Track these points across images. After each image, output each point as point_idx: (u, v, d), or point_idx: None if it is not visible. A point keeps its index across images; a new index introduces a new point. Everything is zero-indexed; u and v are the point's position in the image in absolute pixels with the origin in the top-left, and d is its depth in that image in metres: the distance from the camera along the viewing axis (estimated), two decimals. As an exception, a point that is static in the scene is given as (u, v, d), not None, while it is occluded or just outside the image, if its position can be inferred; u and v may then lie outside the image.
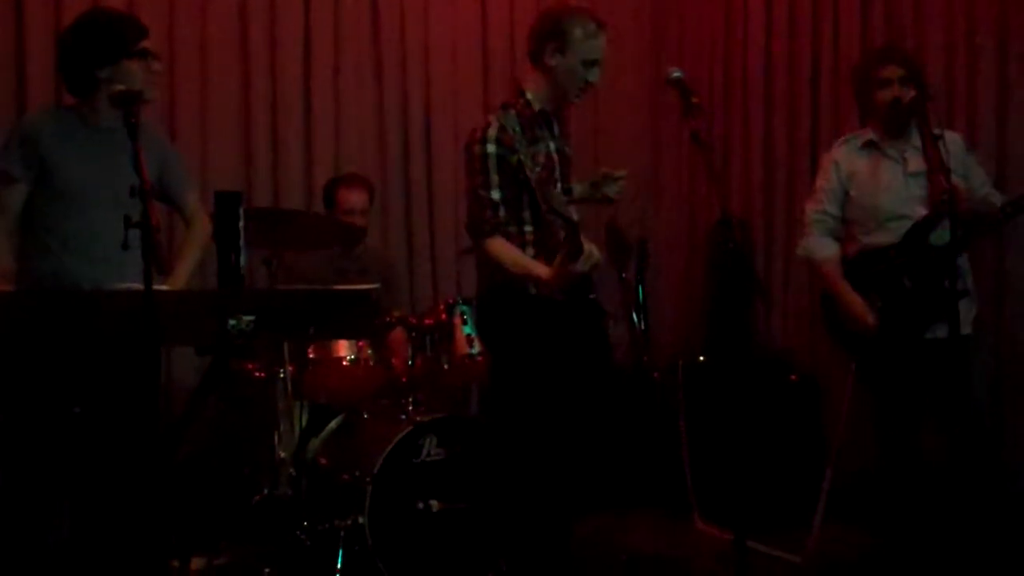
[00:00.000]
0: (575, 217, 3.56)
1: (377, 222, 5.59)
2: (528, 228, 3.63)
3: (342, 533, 3.90)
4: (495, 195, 3.57)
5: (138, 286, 2.71)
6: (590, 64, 3.63)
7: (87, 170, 3.41)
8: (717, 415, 5.01)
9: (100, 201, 3.38)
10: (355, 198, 4.92)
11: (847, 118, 5.42)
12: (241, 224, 2.97)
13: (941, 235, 3.84)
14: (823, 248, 4.26)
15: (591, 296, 3.70)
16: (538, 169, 3.54)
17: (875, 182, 4.11)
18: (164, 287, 3.02)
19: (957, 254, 3.84)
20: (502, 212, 3.59)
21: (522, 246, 3.61)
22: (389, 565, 3.90)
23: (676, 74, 3.46)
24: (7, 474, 3.34)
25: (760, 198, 5.87)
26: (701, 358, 5.43)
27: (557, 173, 3.74)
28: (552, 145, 3.73)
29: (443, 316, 4.41)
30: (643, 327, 5.54)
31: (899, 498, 4.12)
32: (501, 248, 3.60)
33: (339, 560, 3.88)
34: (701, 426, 5.13)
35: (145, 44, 3.46)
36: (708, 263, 6.00)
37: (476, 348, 4.38)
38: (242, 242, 2.97)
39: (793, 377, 5.21)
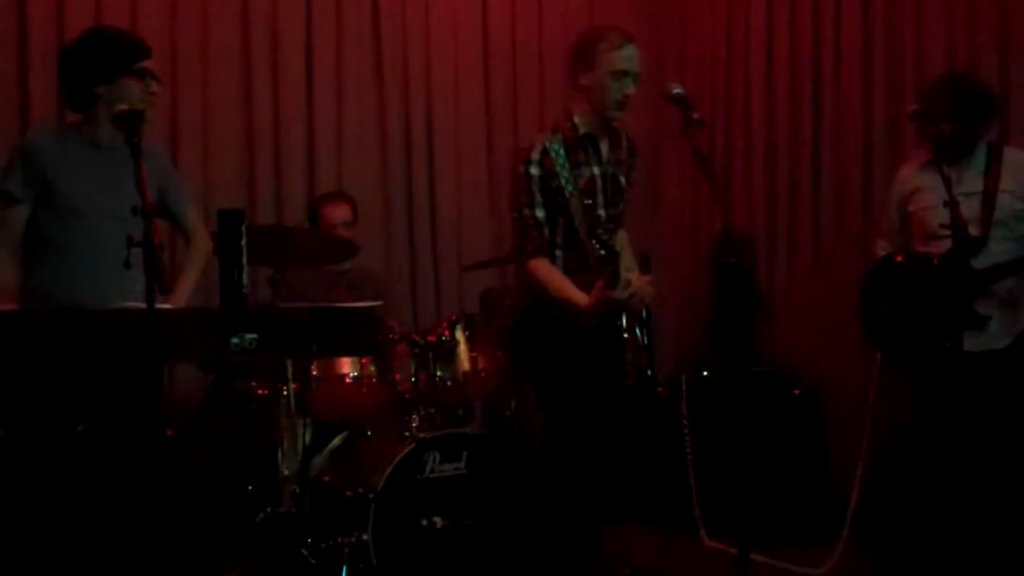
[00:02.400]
0: (616, 246, 3.65)
1: (380, 238, 5.61)
2: (559, 253, 3.72)
3: (346, 550, 3.90)
4: (539, 214, 3.68)
5: (140, 304, 2.72)
6: (620, 75, 3.67)
7: (88, 188, 3.41)
8: (721, 429, 5.01)
9: (101, 219, 3.38)
10: (339, 213, 4.95)
11: (849, 130, 5.45)
12: (244, 242, 2.98)
13: (986, 258, 3.93)
14: (880, 250, 4.34)
15: (621, 327, 3.76)
16: (578, 192, 3.65)
17: (927, 199, 4.11)
18: (166, 305, 3.02)
19: (989, 282, 3.91)
20: (546, 232, 3.69)
21: None
22: (393, 582, 3.90)
23: (677, 90, 3.48)
24: (10, 492, 3.33)
25: (762, 212, 5.87)
26: (704, 372, 5.43)
27: (600, 197, 3.79)
28: (596, 169, 3.79)
29: (446, 333, 4.41)
30: (646, 341, 5.54)
31: (913, 509, 4.14)
32: (544, 271, 3.69)
33: (343, 577, 3.89)
34: (705, 440, 5.12)
35: (145, 64, 3.46)
36: (710, 277, 6.00)
37: (479, 365, 4.40)
38: (245, 260, 2.98)
39: (796, 391, 5.21)
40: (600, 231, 3.61)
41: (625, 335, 3.79)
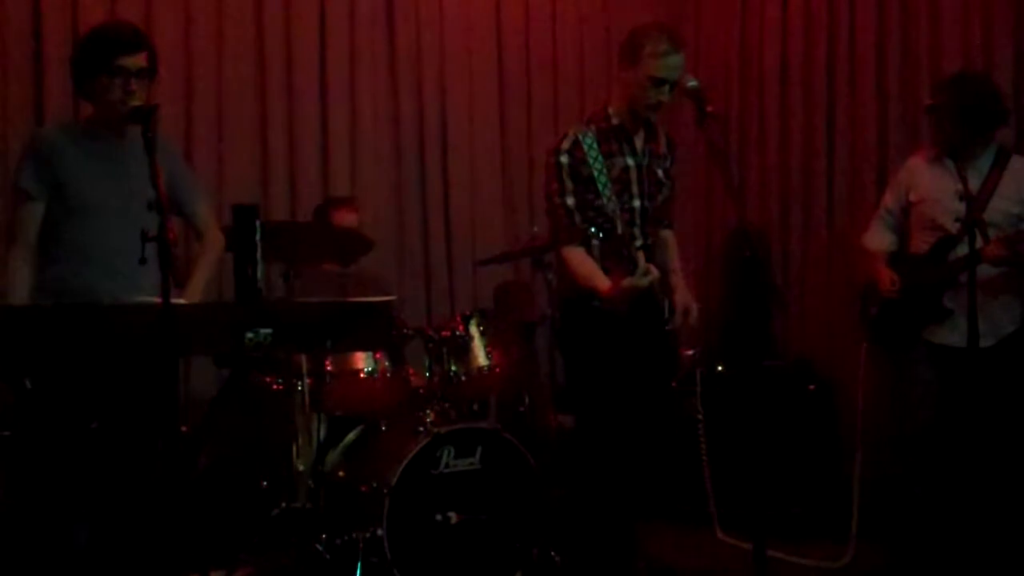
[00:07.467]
0: (638, 238, 3.69)
1: (394, 234, 5.61)
2: (595, 243, 3.71)
3: (361, 545, 3.90)
4: (569, 201, 3.70)
5: (155, 299, 2.71)
6: (657, 82, 3.63)
7: (99, 183, 3.40)
8: (735, 424, 5.00)
9: (114, 214, 3.37)
10: (348, 219, 4.95)
11: (863, 125, 5.43)
12: (258, 237, 2.98)
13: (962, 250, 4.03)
14: (875, 241, 4.49)
15: (664, 320, 3.77)
16: (611, 182, 3.65)
17: (929, 193, 4.25)
18: (180, 300, 3.02)
19: (957, 273, 4.03)
20: (578, 219, 3.69)
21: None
22: (408, 577, 3.90)
23: (692, 83, 3.46)
24: (26, 487, 3.34)
25: (776, 206, 5.86)
26: (719, 367, 5.41)
27: (635, 188, 3.78)
28: (631, 160, 3.78)
29: (460, 328, 4.40)
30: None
31: (923, 501, 4.17)
32: (574, 258, 3.72)
33: (358, 572, 3.87)
34: (719, 435, 5.11)
35: (123, 62, 3.34)
36: (725, 272, 5.99)
37: (493, 360, 4.40)
38: (259, 255, 2.97)
39: (811, 386, 5.19)
40: (638, 222, 3.66)
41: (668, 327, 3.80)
